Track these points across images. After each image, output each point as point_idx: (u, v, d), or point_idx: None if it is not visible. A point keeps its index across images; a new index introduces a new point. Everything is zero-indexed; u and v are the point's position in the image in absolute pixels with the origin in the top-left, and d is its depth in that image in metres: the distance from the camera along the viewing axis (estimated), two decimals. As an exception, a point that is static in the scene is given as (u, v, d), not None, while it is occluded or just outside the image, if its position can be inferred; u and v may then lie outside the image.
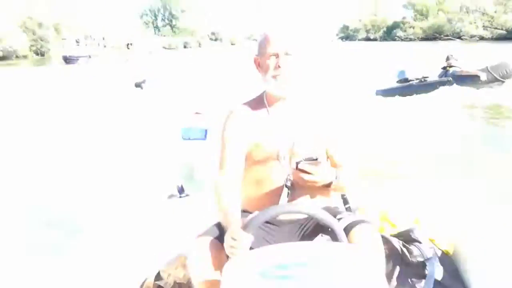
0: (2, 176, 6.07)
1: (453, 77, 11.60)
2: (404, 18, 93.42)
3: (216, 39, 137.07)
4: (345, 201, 2.24)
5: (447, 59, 12.10)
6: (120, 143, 7.54)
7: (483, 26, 67.45)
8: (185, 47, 73.46)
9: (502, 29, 63.54)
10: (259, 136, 1.94)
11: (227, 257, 1.56)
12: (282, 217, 1.80)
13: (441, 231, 2.20)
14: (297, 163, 1.76)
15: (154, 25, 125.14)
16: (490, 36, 63.40)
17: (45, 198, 5.30)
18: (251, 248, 1.51)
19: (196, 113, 2.91)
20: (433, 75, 12.13)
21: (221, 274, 1.48)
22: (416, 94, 11.90)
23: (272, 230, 1.74)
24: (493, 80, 11.54)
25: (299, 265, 1.24)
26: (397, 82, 12.85)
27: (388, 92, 12.59)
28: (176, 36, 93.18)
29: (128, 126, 8.49)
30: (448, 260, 2.14)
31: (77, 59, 43.84)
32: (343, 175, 1.89)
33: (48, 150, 9.54)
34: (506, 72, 11.56)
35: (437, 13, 77.98)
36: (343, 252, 1.39)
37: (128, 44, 58.57)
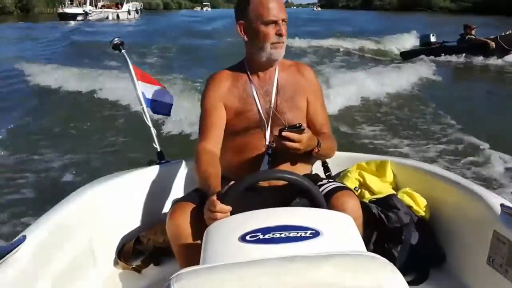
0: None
1: (468, 44, 13.11)
2: None
3: (196, 1, 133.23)
4: (326, 169, 2.22)
5: (465, 27, 13.34)
6: (100, 106, 7.35)
7: None
8: (165, 7, 71.35)
9: (467, 2, 68.49)
10: (240, 103, 1.89)
11: (202, 222, 1.51)
12: (262, 183, 1.75)
13: (418, 197, 2.17)
14: (280, 131, 1.70)
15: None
16: (456, 8, 68.33)
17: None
18: (231, 214, 1.47)
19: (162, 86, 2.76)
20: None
21: (200, 240, 1.47)
22: (435, 56, 13.39)
23: (251, 196, 1.67)
24: (501, 49, 12.73)
25: (279, 229, 1.21)
26: (420, 45, 14.59)
27: (412, 53, 14.19)
28: None
29: (110, 90, 8.13)
30: (425, 226, 2.13)
31: (76, 16, 46.59)
32: (325, 143, 1.86)
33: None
34: None
35: None
36: (323, 217, 1.36)
37: (118, 4, 57.74)
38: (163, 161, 2.42)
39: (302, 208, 1.52)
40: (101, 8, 53.84)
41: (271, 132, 1.85)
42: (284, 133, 1.69)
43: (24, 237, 1.57)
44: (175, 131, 5.78)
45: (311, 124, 1.96)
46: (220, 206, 1.45)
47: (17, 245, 1.52)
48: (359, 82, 8.96)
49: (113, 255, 2.15)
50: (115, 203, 2.15)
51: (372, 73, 10.38)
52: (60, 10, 49.78)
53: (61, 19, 45.74)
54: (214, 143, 1.84)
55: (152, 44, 17.72)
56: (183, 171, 2.38)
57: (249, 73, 1.92)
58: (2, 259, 1.44)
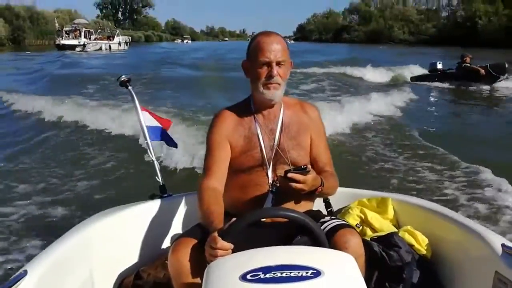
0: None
1: (463, 71, 14.54)
2: (350, 22, 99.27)
3: (176, 34, 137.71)
4: (328, 205, 2.16)
5: (462, 56, 14.80)
6: (104, 139, 7.13)
7: (409, 32, 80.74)
8: (146, 40, 73.04)
9: (424, 35, 75.37)
10: (244, 142, 1.86)
11: (204, 259, 1.47)
12: (264, 220, 1.71)
13: (419, 235, 2.10)
14: (286, 172, 1.68)
15: (115, 18, 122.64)
16: (414, 40, 75.02)
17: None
18: (233, 251, 1.42)
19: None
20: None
21: (200, 277, 1.44)
22: (440, 81, 15.18)
23: (253, 233, 1.59)
24: (490, 76, 14.26)
25: (280, 268, 1.18)
26: (429, 71, 16.16)
27: (421, 79, 15.97)
28: (137, 30, 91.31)
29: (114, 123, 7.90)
30: (426, 265, 2.05)
31: (73, 47, 50.04)
32: (328, 182, 1.83)
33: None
34: (501, 70, 14.27)
35: (378, 20, 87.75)
36: (325, 256, 1.33)
37: (110, 37, 61.14)
38: (165, 195, 2.36)
39: (303, 247, 1.47)
40: (94, 40, 57.32)
41: (274, 170, 1.83)
42: (289, 175, 1.66)
43: (25, 272, 1.53)
44: (173, 164, 5.60)
45: (314, 162, 1.92)
46: (221, 243, 1.41)
47: (18, 280, 1.48)
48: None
49: None
50: (115, 237, 2.08)
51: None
52: (58, 42, 53.05)
53: (58, 50, 48.48)
54: (218, 180, 1.79)
55: (142, 73, 17.68)
56: (185, 206, 2.32)
57: (254, 111, 1.90)
58: None
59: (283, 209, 1.60)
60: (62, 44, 52.02)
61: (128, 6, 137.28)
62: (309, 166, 1.70)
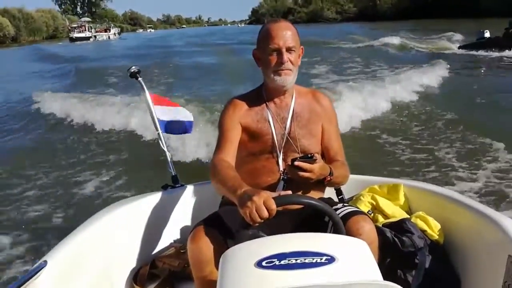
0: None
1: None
2: (295, 5, 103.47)
3: (135, 24, 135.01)
4: (339, 192, 2.08)
5: (510, 23, 15.56)
6: (117, 130, 6.86)
7: (336, 11, 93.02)
8: (105, 30, 79.74)
9: (349, 14, 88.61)
10: (256, 126, 1.79)
11: (223, 246, 1.46)
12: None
13: (432, 221, 1.96)
14: (293, 160, 1.60)
15: (74, 13, 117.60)
16: (340, 18, 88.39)
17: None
18: (249, 238, 1.35)
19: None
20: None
21: (214, 263, 1.43)
22: (489, 51, 15.47)
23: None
24: None
25: (295, 255, 1.12)
26: (477, 40, 16.72)
27: (469, 47, 16.58)
28: (96, 23, 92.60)
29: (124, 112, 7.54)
30: (439, 250, 1.92)
31: (83, 39, 61.63)
32: (337, 172, 1.74)
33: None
34: None
35: (317, 1, 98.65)
36: (338, 242, 1.27)
37: (106, 29, 75.78)
38: (178, 185, 2.28)
39: (317, 233, 1.40)
40: (95, 33, 70.58)
41: (285, 157, 1.76)
42: (296, 163, 1.58)
43: (45, 262, 1.55)
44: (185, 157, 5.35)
45: (326, 151, 1.85)
46: (272, 205, 1.33)
47: (39, 270, 1.50)
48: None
49: (129, 279, 2.03)
50: (130, 227, 2.04)
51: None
52: (71, 36, 65.15)
53: (71, 41, 60.00)
54: (230, 157, 1.73)
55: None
56: (198, 195, 2.26)
57: (266, 99, 1.82)
58: (25, 284, 1.42)
59: (315, 200, 1.49)
60: (75, 37, 63.75)
61: (86, 1, 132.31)
62: (316, 155, 1.62)
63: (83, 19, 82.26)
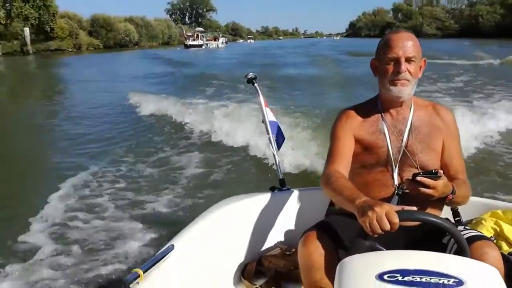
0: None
1: None
2: (394, 19, 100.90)
3: (235, 34, 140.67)
4: (456, 214, 1.85)
5: None
6: (229, 136, 6.81)
7: (436, 27, 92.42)
8: (215, 39, 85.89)
9: (450, 30, 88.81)
10: (370, 138, 1.66)
11: (334, 254, 1.43)
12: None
13: None
14: (414, 175, 1.46)
15: (182, 22, 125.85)
16: (441, 34, 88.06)
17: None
18: (364, 250, 1.28)
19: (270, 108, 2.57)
20: None
21: (331, 271, 1.35)
22: None
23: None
24: None
25: (419, 273, 1.05)
26: None
27: None
28: (207, 32, 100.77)
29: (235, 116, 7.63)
30: None
31: (196, 46, 67.48)
32: (460, 191, 1.56)
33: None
34: None
35: (418, 17, 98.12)
36: (467, 266, 1.15)
37: (215, 38, 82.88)
38: (285, 188, 2.24)
39: (443, 254, 1.29)
40: (206, 41, 76.91)
41: (401, 172, 1.62)
42: (418, 178, 1.43)
43: (173, 246, 1.62)
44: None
45: (446, 169, 1.65)
46: (394, 218, 1.23)
47: (167, 253, 1.57)
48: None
49: (237, 271, 2.04)
50: (240, 222, 2.04)
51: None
52: (186, 43, 70.46)
53: (185, 48, 65.05)
54: (342, 168, 1.62)
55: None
56: (304, 200, 2.20)
57: (381, 110, 1.69)
58: (156, 265, 1.48)
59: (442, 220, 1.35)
60: (189, 44, 69.13)
61: (194, 12, 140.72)
62: (441, 171, 1.46)
63: (197, 28, 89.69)
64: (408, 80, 1.57)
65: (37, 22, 50.62)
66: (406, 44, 1.56)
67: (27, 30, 49.02)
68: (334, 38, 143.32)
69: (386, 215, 1.23)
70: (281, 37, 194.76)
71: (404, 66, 1.55)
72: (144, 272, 1.42)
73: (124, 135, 7.73)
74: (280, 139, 2.46)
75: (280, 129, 2.48)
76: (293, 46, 59.17)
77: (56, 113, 10.70)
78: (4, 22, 48.48)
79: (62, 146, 7.25)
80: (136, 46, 69.22)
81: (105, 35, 64.55)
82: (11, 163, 6.21)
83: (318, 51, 40.65)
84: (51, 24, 52.38)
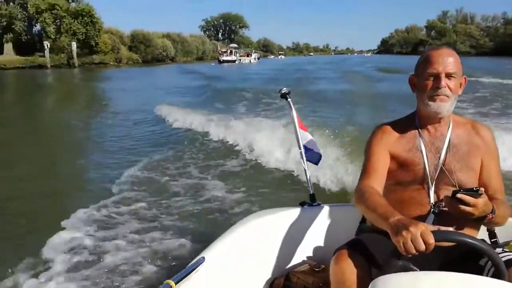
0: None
1: None
2: (427, 37, 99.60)
3: (266, 50, 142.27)
4: (492, 235, 1.74)
5: None
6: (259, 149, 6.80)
7: (470, 45, 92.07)
8: (247, 55, 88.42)
9: (484, 48, 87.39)
10: (406, 155, 1.61)
11: (366, 273, 1.39)
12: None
13: None
14: (454, 192, 1.40)
15: (215, 39, 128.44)
16: (474, 52, 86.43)
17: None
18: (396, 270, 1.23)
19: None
20: None
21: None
22: None
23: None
24: None
25: None
26: None
27: None
28: (240, 48, 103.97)
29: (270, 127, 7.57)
30: None
31: (230, 62, 70.32)
32: (499, 211, 1.50)
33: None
34: None
35: (452, 35, 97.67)
36: None
37: (248, 54, 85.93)
38: (315, 204, 2.18)
39: (482, 276, 1.24)
40: (240, 57, 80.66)
41: (437, 190, 1.56)
42: (459, 195, 1.37)
43: (203, 259, 1.61)
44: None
45: (484, 188, 1.56)
46: (430, 237, 1.18)
47: (198, 265, 1.57)
48: None
49: (265, 285, 1.99)
50: (269, 236, 2.00)
51: None
52: (220, 59, 72.96)
53: (219, 63, 67.68)
54: (377, 184, 1.56)
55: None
56: (334, 216, 2.14)
57: (418, 126, 1.63)
58: (187, 277, 1.49)
59: (489, 247, 1.29)
60: (223, 60, 72.01)
61: (227, 28, 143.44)
62: (482, 189, 1.39)
63: (231, 45, 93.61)
64: (447, 96, 1.52)
65: (83, 37, 53.18)
66: (447, 60, 1.52)
67: (74, 45, 51.82)
68: (365, 54, 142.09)
69: (421, 235, 1.18)
70: (311, 53, 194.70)
71: (444, 81, 1.51)
72: (176, 283, 1.41)
73: (158, 146, 7.83)
74: (315, 154, 2.43)
75: (315, 144, 2.44)
76: (324, 62, 59.52)
77: (99, 122, 11.18)
78: (54, 37, 51.18)
79: (100, 152, 7.51)
80: (171, 61, 71.17)
81: (144, 50, 66.79)
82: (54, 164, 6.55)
83: (349, 67, 40.63)
84: (96, 39, 54.94)
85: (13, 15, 51.80)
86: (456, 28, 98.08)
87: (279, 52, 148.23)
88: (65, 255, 3.47)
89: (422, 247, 1.17)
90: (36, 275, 3.17)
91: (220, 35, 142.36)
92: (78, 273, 3.21)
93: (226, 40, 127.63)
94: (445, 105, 1.53)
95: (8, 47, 52.40)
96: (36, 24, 54.47)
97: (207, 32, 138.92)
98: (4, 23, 51.88)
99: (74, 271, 3.24)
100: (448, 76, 1.51)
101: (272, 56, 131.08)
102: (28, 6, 52.20)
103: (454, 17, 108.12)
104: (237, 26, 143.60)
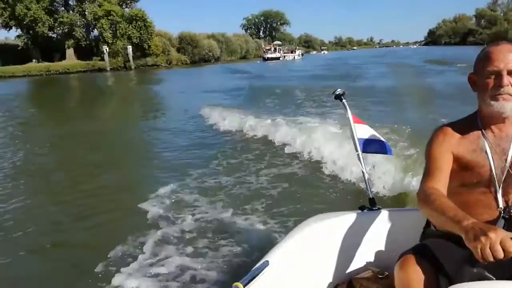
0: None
1: None
2: (477, 26, 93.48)
3: (308, 46, 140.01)
4: None
5: None
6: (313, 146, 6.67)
7: None
8: (291, 52, 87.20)
9: None
10: (470, 156, 1.52)
11: (433, 279, 1.31)
12: None
13: None
14: None
15: (257, 37, 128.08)
16: None
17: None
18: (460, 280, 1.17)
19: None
20: None
21: None
22: None
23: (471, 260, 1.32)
24: None
25: None
26: None
27: None
28: (284, 45, 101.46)
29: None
30: None
31: (274, 59, 70.77)
32: None
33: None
34: None
35: (503, 23, 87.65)
36: None
37: (292, 51, 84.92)
38: (375, 208, 2.08)
39: None
40: (283, 53, 78.86)
41: (504, 193, 1.48)
42: None
43: (268, 262, 1.60)
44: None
45: None
46: (510, 245, 1.08)
47: (263, 269, 1.56)
48: None
49: None
50: (329, 241, 1.94)
51: None
52: (265, 56, 73.61)
53: (264, 61, 68.32)
54: (440, 186, 1.48)
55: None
56: (395, 221, 2.04)
57: (481, 127, 1.55)
58: (253, 280, 1.48)
59: None
60: (267, 57, 72.36)
61: (268, 25, 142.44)
62: None
63: (275, 42, 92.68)
64: (511, 95, 1.43)
65: (137, 40, 55.18)
66: (508, 56, 1.42)
67: (130, 48, 53.96)
68: (412, 46, 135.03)
69: (500, 243, 1.09)
70: (355, 47, 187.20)
71: (506, 79, 1.42)
72: (244, 286, 1.42)
73: (213, 148, 7.79)
74: (382, 143, 2.29)
75: (380, 142, 2.30)
76: (368, 55, 57.22)
77: (154, 124, 11.53)
78: (111, 41, 53.69)
79: (156, 156, 7.65)
80: (217, 61, 71.33)
81: (191, 51, 67.63)
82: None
83: (396, 60, 39.05)
84: (149, 42, 56.71)
85: (73, 22, 54.65)
86: (508, 16, 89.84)
87: (322, 48, 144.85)
88: (134, 256, 3.56)
89: (501, 254, 1.08)
90: (110, 272, 3.30)
91: (261, 33, 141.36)
92: (146, 274, 3.24)
93: (267, 38, 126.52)
94: (509, 104, 1.44)
95: (69, 52, 55.57)
96: (94, 30, 57.31)
97: (248, 31, 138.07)
98: (66, 30, 54.87)
99: (142, 271, 3.29)
100: (510, 73, 1.42)
101: (315, 52, 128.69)
102: (86, 13, 54.97)
103: (505, 5, 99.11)
104: (278, 23, 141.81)
